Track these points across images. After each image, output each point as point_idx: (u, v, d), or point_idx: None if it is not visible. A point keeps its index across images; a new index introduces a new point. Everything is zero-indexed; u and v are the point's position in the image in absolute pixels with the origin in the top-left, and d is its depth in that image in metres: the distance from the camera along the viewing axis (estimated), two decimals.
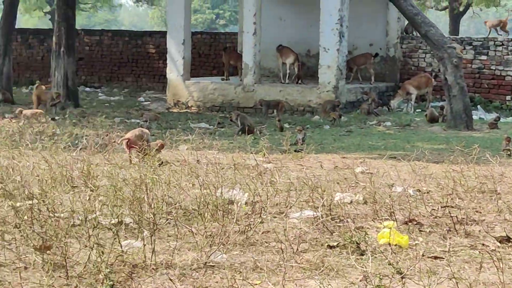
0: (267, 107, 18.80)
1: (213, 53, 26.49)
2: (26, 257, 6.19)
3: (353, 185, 9.43)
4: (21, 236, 6.50)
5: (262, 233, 7.15)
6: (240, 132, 15.19)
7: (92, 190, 8.01)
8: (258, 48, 20.16)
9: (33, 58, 28.21)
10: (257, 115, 18.77)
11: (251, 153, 10.87)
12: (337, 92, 19.41)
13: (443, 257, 6.42)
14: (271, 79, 22.14)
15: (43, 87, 19.76)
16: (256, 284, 5.65)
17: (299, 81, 20.68)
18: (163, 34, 26.33)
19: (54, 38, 20.54)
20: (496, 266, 5.72)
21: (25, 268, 6.00)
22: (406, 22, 21.47)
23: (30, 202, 7.45)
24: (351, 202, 8.43)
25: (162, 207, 7.27)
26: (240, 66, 20.82)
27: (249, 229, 7.05)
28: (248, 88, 20.18)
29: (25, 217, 6.93)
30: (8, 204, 7.44)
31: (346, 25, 19.48)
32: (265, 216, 7.51)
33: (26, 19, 75.52)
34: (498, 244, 6.88)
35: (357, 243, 6.60)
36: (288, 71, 21.03)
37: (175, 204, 7.49)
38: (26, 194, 7.79)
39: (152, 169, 8.63)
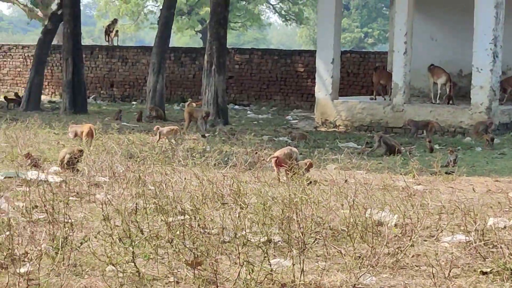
0: (416, 127, 18.49)
1: (362, 72, 26.37)
2: (178, 271, 6.30)
3: (507, 209, 9.13)
4: (174, 251, 6.63)
5: (412, 256, 7.01)
6: (387, 153, 15.00)
7: (241, 207, 8.09)
8: (408, 67, 19.91)
9: (185, 76, 28.90)
10: (406, 136, 18.50)
11: (401, 174, 10.71)
12: (489, 113, 18.89)
13: None
14: (421, 99, 21.80)
15: (194, 104, 20.20)
16: None
17: (450, 102, 20.26)
18: (312, 53, 26.45)
19: (205, 57, 20.98)
20: None
21: (177, 282, 6.12)
22: None
23: (182, 217, 7.61)
24: (505, 227, 8.15)
25: (311, 226, 7.24)
26: (390, 86, 20.61)
27: (399, 251, 6.93)
28: (397, 108, 19.94)
29: (177, 232, 7.06)
30: (161, 219, 7.61)
31: (500, 45, 18.95)
32: (415, 239, 7.36)
33: (178, 38, 77.61)
34: None
35: (511, 270, 6.37)
36: (439, 91, 20.65)
37: (324, 224, 7.46)
38: (178, 210, 7.94)
39: (300, 188, 8.62)
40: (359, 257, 6.76)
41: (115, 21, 32.24)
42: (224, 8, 20.91)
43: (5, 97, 25.92)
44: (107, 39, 31.22)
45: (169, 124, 19.87)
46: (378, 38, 77.86)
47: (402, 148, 15.54)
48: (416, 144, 16.91)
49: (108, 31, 31.04)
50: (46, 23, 28.77)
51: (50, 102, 27.92)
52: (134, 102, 28.49)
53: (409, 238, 7.29)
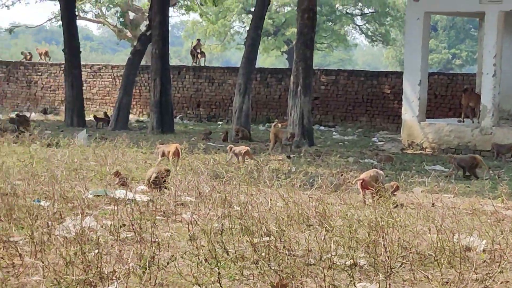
0: (499, 151, 18.21)
1: (450, 94, 26.02)
2: None
3: None
4: (259, 272, 6.64)
5: (501, 283, 6.88)
6: (466, 173, 14.78)
7: (327, 229, 8.05)
8: (497, 90, 19.57)
9: (271, 96, 29.00)
10: (495, 159, 18.17)
11: (489, 198, 10.51)
12: None
13: None
14: (510, 122, 21.38)
15: (280, 125, 20.26)
16: None
17: None
18: (398, 74, 26.25)
19: (291, 77, 21.03)
20: None
21: None
22: None
23: (268, 239, 7.62)
24: None
25: (397, 250, 7.16)
26: (479, 108, 20.27)
27: (488, 278, 6.79)
28: (486, 131, 19.59)
29: (263, 254, 7.07)
30: (247, 240, 7.63)
31: None
32: (504, 266, 7.20)
33: (264, 58, 78.10)
34: None
35: None
36: None
37: (411, 248, 7.37)
38: (263, 231, 7.96)
39: (387, 211, 8.54)
40: (446, 282, 6.66)
41: (198, 42, 32.58)
42: (310, 29, 20.95)
43: (95, 116, 26.48)
44: (194, 60, 31.61)
45: (254, 145, 20.02)
46: (466, 59, 76.81)
47: (491, 172, 15.25)
48: (505, 168, 16.58)
49: (194, 52, 31.42)
50: (135, 43, 29.36)
51: (137, 121, 28.38)
52: (220, 122, 28.72)
53: (498, 264, 7.15)
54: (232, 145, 16.54)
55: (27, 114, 24.68)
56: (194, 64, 31.34)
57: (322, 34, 60.73)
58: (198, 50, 31.27)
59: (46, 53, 34.68)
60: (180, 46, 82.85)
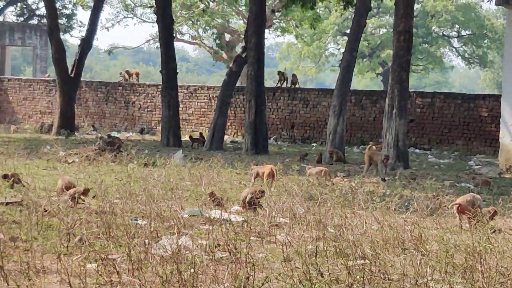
0: None
1: None
2: None
3: None
4: None
5: None
6: None
7: (423, 254, 7.95)
8: None
9: (365, 118, 28.86)
10: None
11: None
12: None
13: None
14: None
15: (374, 147, 20.12)
16: None
17: None
18: (496, 97, 25.81)
19: (387, 100, 20.87)
20: None
21: None
22: None
23: (362, 262, 7.56)
24: None
25: (495, 277, 7.02)
26: None
27: None
28: None
29: (357, 277, 7.02)
30: (341, 263, 7.59)
31: None
32: None
33: (358, 80, 77.87)
34: None
35: None
36: None
37: (509, 275, 7.20)
38: (358, 254, 7.91)
39: (484, 237, 8.38)
40: None
41: (281, 73, 31.98)
42: (406, 51, 20.79)
43: (190, 137, 26.82)
44: (280, 83, 31.30)
45: (348, 167, 19.95)
46: None
47: None
48: None
49: (281, 79, 31.09)
50: (230, 65, 29.62)
51: (232, 142, 28.63)
52: (314, 144, 28.72)
53: None
54: (310, 166, 16.55)
55: (121, 135, 25.15)
56: (279, 85, 31.06)
57: (418, 56, 60.25)
58: (282, 79, 31.07)
59: (137, 74, 35.36)
60: (274, 67, 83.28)
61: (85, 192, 11.21)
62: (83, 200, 11.05)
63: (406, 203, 12.43)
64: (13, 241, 8.69)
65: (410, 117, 25.89)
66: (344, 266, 7.38)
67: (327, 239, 8.58)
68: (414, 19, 34.45)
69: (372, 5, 23.58)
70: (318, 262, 7.48)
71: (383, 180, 17.03)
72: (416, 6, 41.76)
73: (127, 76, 34.99)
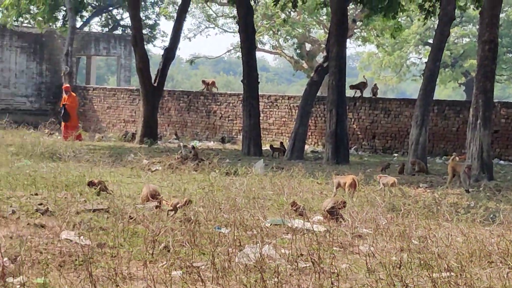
0: None
1: None
2: None
3: None
4: None
5: None
6: None
7: (510, 267, 7.81)
8: None
9: (448, 129, 28.48)
10: None
11: None
12: None
13: None
14: None
15: (458, 158, 19.85)
16: None
17: None
18: None
19: (471, 110, 20.56)
20: None
21: None
22: None
23: (448, 274, 7.47)
24: None
25: None
26: None
27: None
28: None
29: None
30: (426, 275, 7.52)
31: None
32: None
33: (440, 90, 76.97)
34: None
35: None
36: None
37: None
38: (443, 266, 7.81)
39: None
40: None
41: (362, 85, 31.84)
42: (491, 61, 20.45)
43: (271, 146, 26.89)
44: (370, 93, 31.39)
45: (431, 178, 19.72)
46: None
47: None
48: None
49: (359, 89, 30.98)
50: (311, 74, 29.65)
51: (313, 151, 28.59)
52: (395, 154, 28.47)
53: None
54: (381, 175, 16.42)
55: (202, 144, 25.31)
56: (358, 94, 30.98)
57: (502, 66, 59.24)
58: (362, 89, 30.93)
59: (213, 84, 35.65)
60: (355, 77, 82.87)
61: (187, 203, 11.33)
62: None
63: (492, 215, 12.21)
64: (101, 247, 8.85)
65: (494, 128, 25.45)
66: (429, 278, 7.30)
67: (412, 251, 8.51)
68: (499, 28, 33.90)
69: (455, 14, 23.26)
70: (403, 273, 7.42)
71: (467, 191, 16.77)
72: (500, 15, 41.18)
73: (205, 86, 35.31)
